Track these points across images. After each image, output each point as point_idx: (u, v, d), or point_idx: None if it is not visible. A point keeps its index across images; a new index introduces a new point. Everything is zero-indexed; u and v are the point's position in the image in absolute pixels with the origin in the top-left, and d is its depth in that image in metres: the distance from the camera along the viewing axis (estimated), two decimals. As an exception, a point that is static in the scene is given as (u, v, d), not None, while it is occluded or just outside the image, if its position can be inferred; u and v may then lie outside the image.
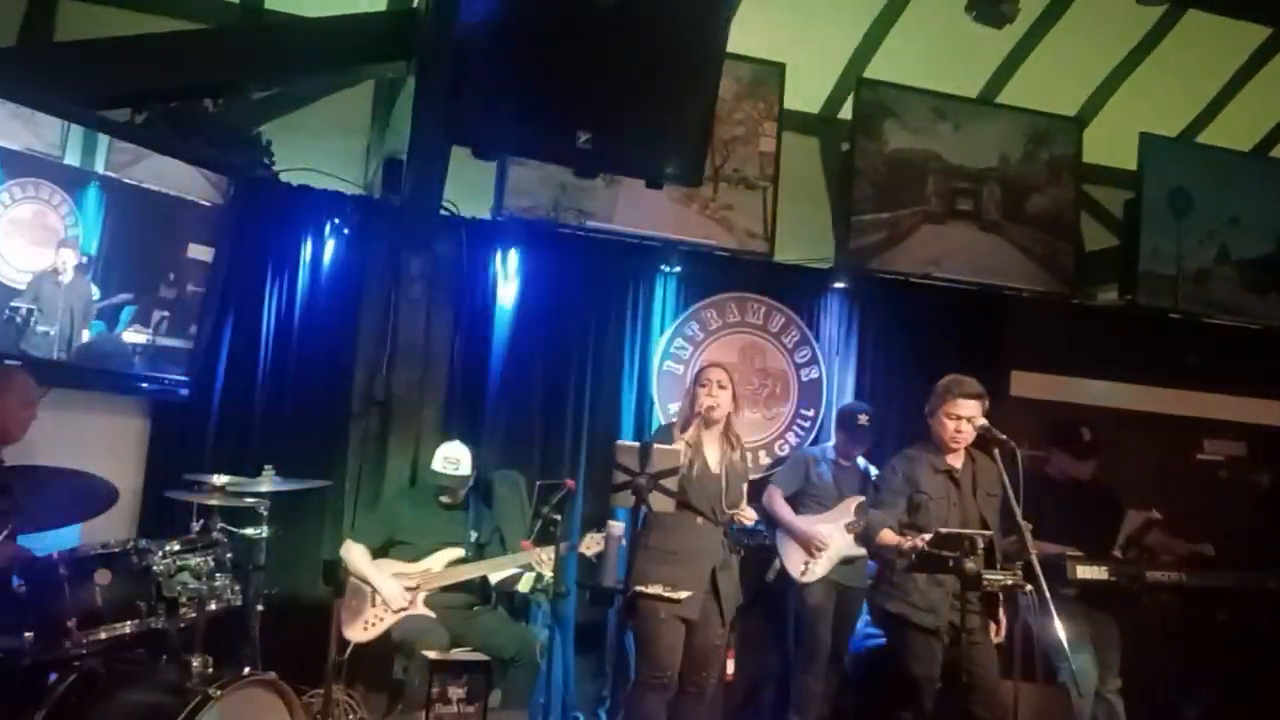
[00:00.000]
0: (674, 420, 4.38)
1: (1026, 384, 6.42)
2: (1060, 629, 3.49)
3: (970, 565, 3.46)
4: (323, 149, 5.77)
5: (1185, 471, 6.69)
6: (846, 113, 6.56)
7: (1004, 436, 3.89)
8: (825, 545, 5.12)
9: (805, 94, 6.61)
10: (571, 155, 3.40)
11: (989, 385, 6.12)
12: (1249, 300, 6.96)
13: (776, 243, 6.18)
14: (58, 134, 4.41)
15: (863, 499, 5.06)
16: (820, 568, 5.11)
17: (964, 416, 4.06)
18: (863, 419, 5.28)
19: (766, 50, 6.22)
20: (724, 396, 4.14)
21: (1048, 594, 3.51)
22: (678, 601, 3.79)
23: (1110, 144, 7.01)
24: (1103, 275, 7.08)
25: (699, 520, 4.03)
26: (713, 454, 4.14)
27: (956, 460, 4.15)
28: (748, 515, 4.26)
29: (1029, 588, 3.53)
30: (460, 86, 3.20)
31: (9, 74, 4.47)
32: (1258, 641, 5.06)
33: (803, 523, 5.19)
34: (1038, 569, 3.54)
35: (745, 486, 4.28)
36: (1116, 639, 4.76)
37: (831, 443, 5.55)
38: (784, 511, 5.21)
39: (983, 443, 4.04)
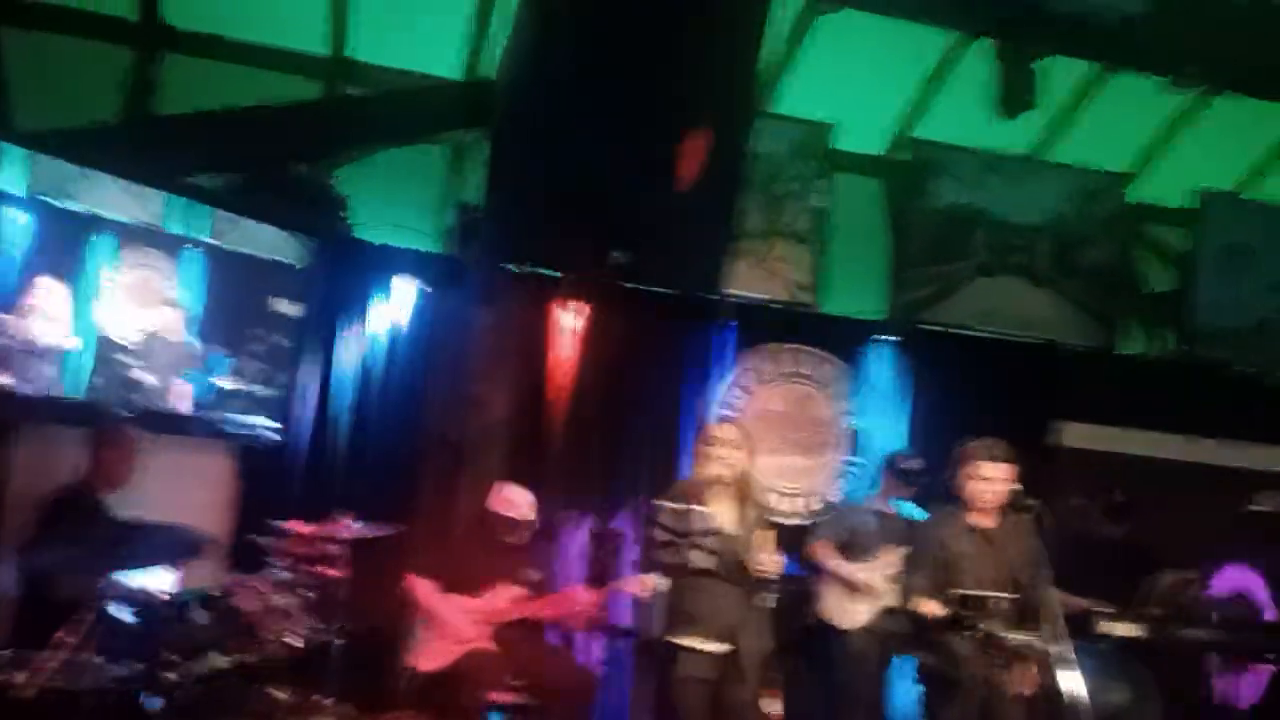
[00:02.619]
0: (689, 477, 4.39)
1: (1078, 435, 6.54)
2: (1080, 689, 3.63)
3: (988, 627, 3.64)
4: (403, 200, 6.16)
5: (1235, 524, 6.71)
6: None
7: (1031, 502, 4.02)
8: (871, 591, 5.25)
9: (863, 146, 6.84)
10: (606, 271, 3.70)
11: (1039, 437, 6.43)
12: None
13: (834, 289, 6.44)
14: (162, 205, 4.87)
15: (907, 549, 5.19)
16: (863, 615, 5.23)
17: (990, 478, 4.17)
18: (914, 464, 5.40)
19: (821, 109, 6.49)
20: (736, 457, 4.14)
21: (1072, 654, 3.66)
22: (709, 654, 3.95)
23: (1174, 189, 7.11)
24: (1163, 316, 7.19)
25: (716, 583, 4.07)
26: (729, 514, 4.15)
27: (988, 519, 4.28)
28: (770, 564, 4.17)
29: (1050, 650, 3.67)
30: (496, 206, 3.53)
31: (116, 148, 4.96)
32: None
33: (857, 571, 5.24)
34: (1061, 630, 3.69)
35: (774, 534, 4.28)
36: (1154, 694, 4.85)
37: (876, 491, 5.67)
38: (832, 559, 5.28)
39: (1015, 505, 4.18)
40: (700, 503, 4.02)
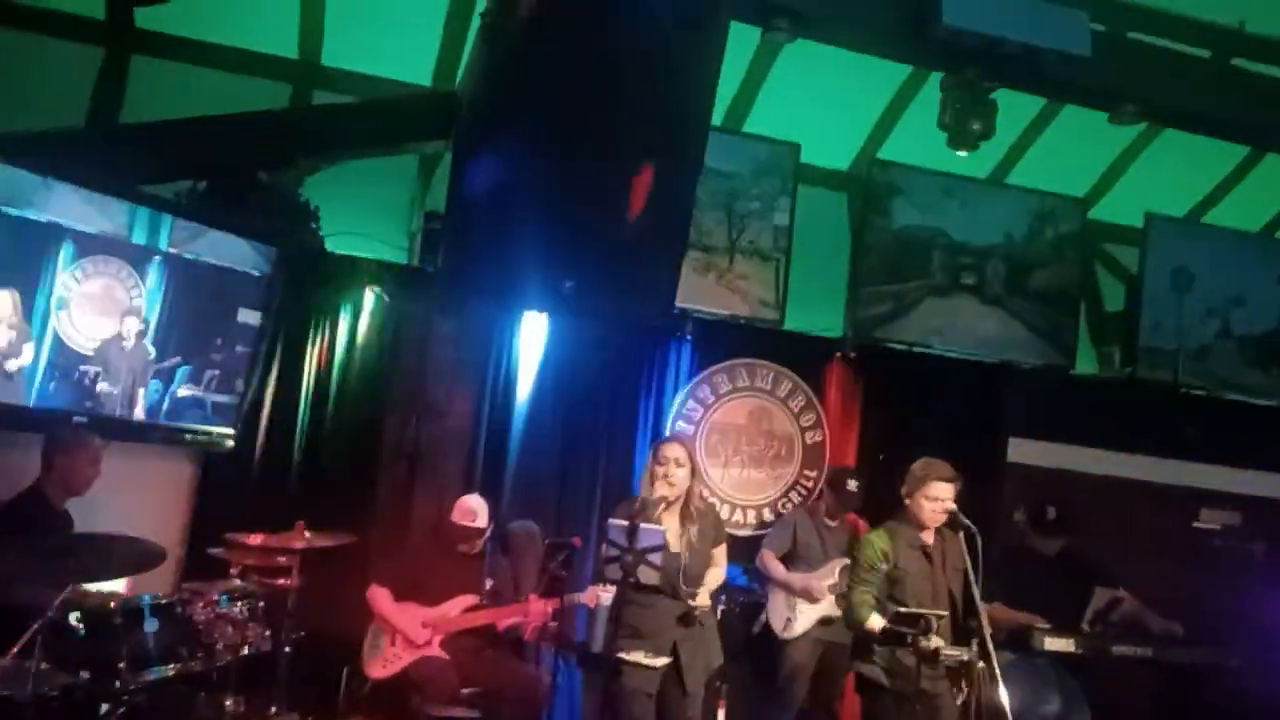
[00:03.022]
0: (637, 494, 4.45)
1: (1024, 451, 6.70)
2: (1005, 700, 3.78)
3: (925, 642, 3.79)
4: (369, 207, 6.23)
5: (1181, 540, 6.91)
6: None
7: (968, 522, 4.16)
8: (820, 598, 5.38)
9: (826, 164, 7.00)
10: (558, 301, 3.80)
11: (986, 452, 6.58)
12: (1249, 375, 7.19)
13: (793, 306, 6.55)
14: (125, 214, 4.91)
15: (847, 561, 5.30)
16: (801, 624, 5.37)
17: (939, 498, 4.31)
18: (851, 484, 5.52)
19: (786, 129, 6.62)
20: (680, 475, 4.22)
21: (997, 669, 3.80)
22: (655, 669, 4.06)
23: (1131, 210, 7.28)
24: (1110, 337, 7.39)
25: (658, 598, 4.16)
26: (671, 531, 4.22)
27: (929, 537, 4.43)
28: (712, 582, 4.40)
29: (981, 664, 3.82)
30: (462, 250, 3.63)
31: (80, 156, 4.98)
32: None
33: (799, 579, 5.42)
34: (990, 646, 3.83)
35: (722, 550, 4.47)
36: (1086, 707, 5.00)
37: (823, 503, 5.78)
38: (778, 570, 5.46)
39: (951, 523, 4.32)
40: (647, 519, 4.09)
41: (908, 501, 4.42)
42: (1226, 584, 6.55)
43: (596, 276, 3.78)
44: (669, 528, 4.20)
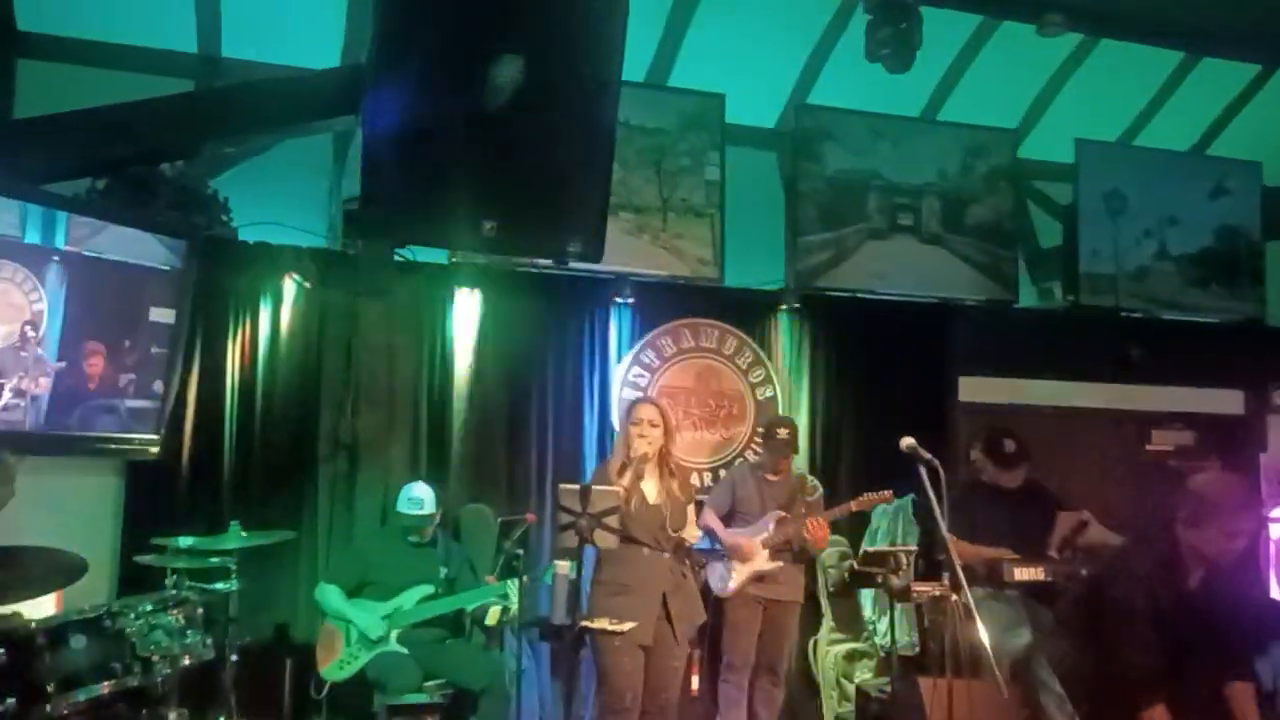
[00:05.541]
0: (609, 459, 4.53)
1: (975, 389, 6.65)
2: (983, 632, 3.68)
3: (896, 580, 3.68)
4: (286, 193, 5.98)
5: (1136, 463, 6.92)
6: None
7: (929, 455, 4.05)
8: (749, 556, 5.23)
9: (755, 119, 6.85)
10: (478, 242, 3.62)
11: (937, 393, 6.52)
12: (1189, 294, 7.21)
13: (733, 265, 6.42)
14: (17, 213, 4.59)
15: (783, 514, 5.21)
16: (735, 582, 5.22)
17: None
18: (781, 433, 5.38)
19: (712, 81, 6.46)
20: (655, 434, 4.32)
21: (971, 601, 3.70)
22: (621, 633, 3.97)
23: (1062, 143, 7.24)
24: (1050, 269, 7.36)
25: (645, 551, 4.23)
26: (650, 486, 4.31)
27: None
28: (690, 535, 4.43)
29: (954, 597, 3.72)
30: (370, 187, 3.42)
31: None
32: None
33: (728, 535, 5.29)
34: (962, 578, 3.73)
35: (691, 509, 4.47)
36: (1059, 634, 4.94)
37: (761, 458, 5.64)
38: (713, 523, 5.30)
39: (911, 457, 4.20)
40: (638, 476, 4.22)
41: None
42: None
43: (517, 215, 3.57)
44: (647, 483, 4.28)
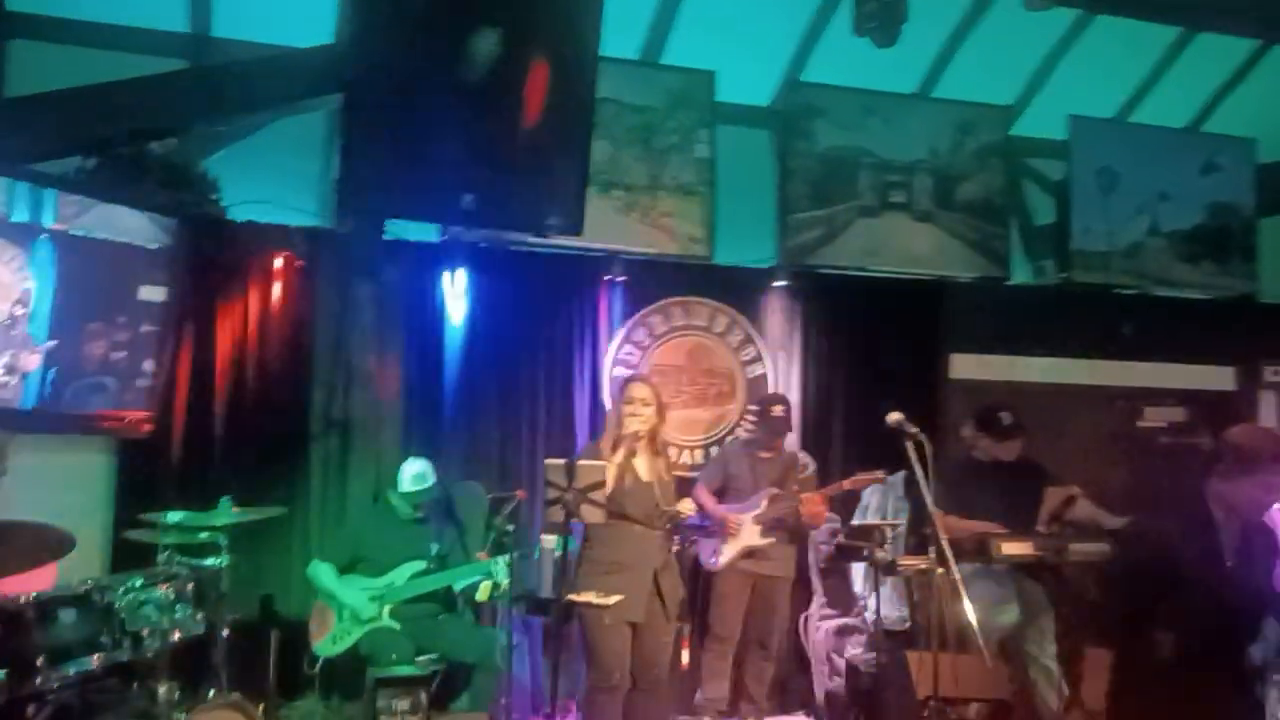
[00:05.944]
0: (601, 437, 4.52)
1: (966, 366, 6.67)
2: (969, 608, 3.71)
3: (881, 554, 3.70)
4: (278, 172, 5.93)
5: (1128, 440, 6.94)
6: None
7: (915, 429, 4.07)
8: (735, 531, 5.24)
9: (750, 96, 6.82)
10: (458, 216, 3.62)
11: (928, 371, 6.53)
12: (1181, 271, 7.21)
13: (724, 242, 6.40)
14: (5, 191, 4.59)
15: (776, 491, 5.23)
16: (725, 556, 5.25)
17: None
18: (776, 410, 5.39)
19: (706, 59, 6.44)
20: (648, 413, 4.32)
21: (957, 575, 3.73)
22: (607, 606, 3.99)
23: (1058, 120, 7.22)
24: (1044, 246, 7.36)
25: (636, 529, 4.25)
26: (642, 464, 4.34)
27: None
28: (685, 508, 4.46)
29: (940, 570, 3.75)
30: (350, 162, 3.42)
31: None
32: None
33: (719, 509, 5.31)
34: (948, 552, 3.75)
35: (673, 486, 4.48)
36: (1049, 607, 4.97)
37: (753, 434, 5.66)
38: (705, 499, 5.32)
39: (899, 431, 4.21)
40: (630, 454, 4.23)
41: None
42: (1177, 480, 6.58)
43: (497, 189, 3.57)
44: (639, 461, 4.30)
